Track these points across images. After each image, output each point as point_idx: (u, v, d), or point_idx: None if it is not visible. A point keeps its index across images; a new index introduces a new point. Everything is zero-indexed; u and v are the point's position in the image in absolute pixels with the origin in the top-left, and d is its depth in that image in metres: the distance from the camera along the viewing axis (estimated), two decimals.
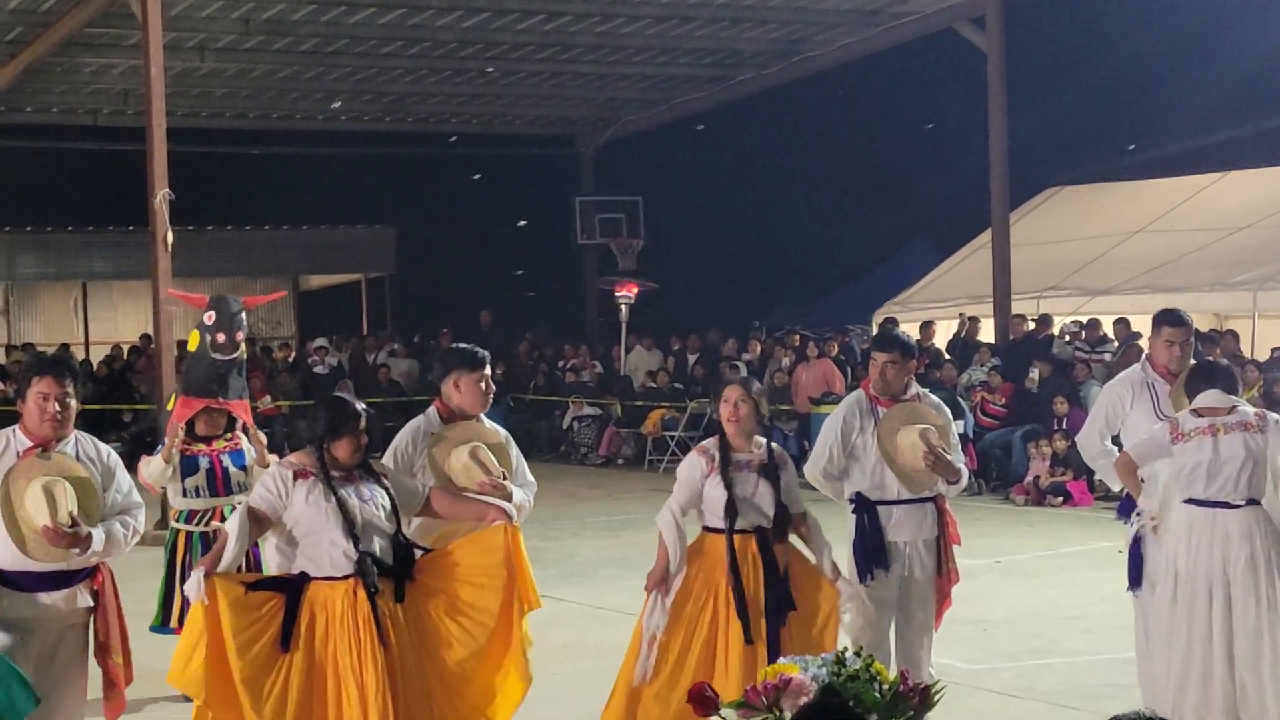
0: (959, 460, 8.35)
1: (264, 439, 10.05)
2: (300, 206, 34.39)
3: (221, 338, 9.72)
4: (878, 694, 5.16)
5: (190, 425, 9.69)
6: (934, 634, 8.47)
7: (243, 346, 9.89)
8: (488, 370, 7.92)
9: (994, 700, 9.54)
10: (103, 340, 30.72)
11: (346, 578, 6.77)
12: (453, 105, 30.02)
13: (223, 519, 9.60)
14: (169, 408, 10.14)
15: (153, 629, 9.50)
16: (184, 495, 9.64)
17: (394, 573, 6.88)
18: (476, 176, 34.36)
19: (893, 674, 5.27)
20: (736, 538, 7.63)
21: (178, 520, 9.71)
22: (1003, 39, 23.28)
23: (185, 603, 9.36)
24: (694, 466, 7.87)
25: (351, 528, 6.77)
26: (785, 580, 7.63)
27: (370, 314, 35.75)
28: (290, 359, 29.60)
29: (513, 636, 7.05)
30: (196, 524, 9.61)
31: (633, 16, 24.27)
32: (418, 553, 7.20)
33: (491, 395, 7.92)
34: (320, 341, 29.15)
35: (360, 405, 7.07)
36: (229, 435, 9.81)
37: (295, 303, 36.17)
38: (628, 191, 31.25)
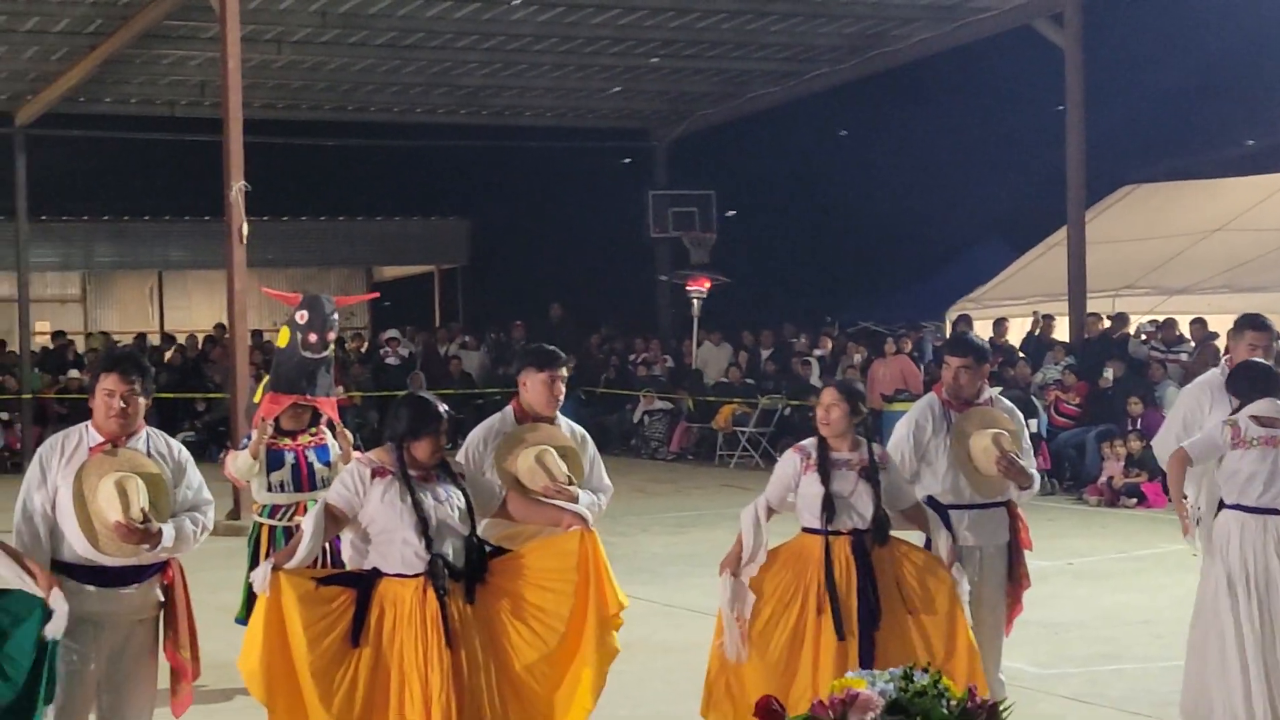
0: (1031, 465, 8.30)
1: (350, 436, 10.07)
2: (374, 198, 34.57)
3: (314, 338, 9.73)
4: (945, 710, 5.13)
5: (276, 420, 9.73)
6: (1004, 638, 8.42)
7: (332, 346, 9.92)
8: (560, 370, 7.87)
9: (1063, 705, 9.47)
10: (179, 329, 30.95)
11: (417, 576, 6.76)
12: (527, 98, 30.05)
13: (305, 514, 9.63)
14: (255, 400, 10.17)
15: (238, 621, 9.55)
16: (269, 490, 9.68)
17: (465, 575, 6.85)
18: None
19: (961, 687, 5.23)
20: (832, 540, 7.59)
21: (261, 515, 9.76)
22: (1080, 36, 23.12)
23: None
24: (790, 463, 7.86)
25: (425, 528, 6.75)
26: (875, 592, 7.54)
27: (443, 306, 35.88)
28: (363, 350, 29.76)
29: (585, 643, 6.97)
30: (280, 519, 9.66)
31: (707, 11, 24.22)
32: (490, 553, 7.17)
33: (561, 396, 7.87)
34: (392, 333, 29.28)
35: (443, 406, 7.02)
36: (314, 430, 9.85)
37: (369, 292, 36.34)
38: (701, 185, 31.22)
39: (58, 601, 6.61)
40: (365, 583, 6.81)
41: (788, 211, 34.81)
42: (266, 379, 10.11)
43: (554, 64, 27.05)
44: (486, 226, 35.07)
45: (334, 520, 6.89)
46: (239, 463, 9.70)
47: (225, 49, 19.61)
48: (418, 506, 6.78)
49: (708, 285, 27.57)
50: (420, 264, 36.37)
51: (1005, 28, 24.77)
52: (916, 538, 7.91)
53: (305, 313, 9.84)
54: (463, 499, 6.96)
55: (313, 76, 27.39)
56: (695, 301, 27.41)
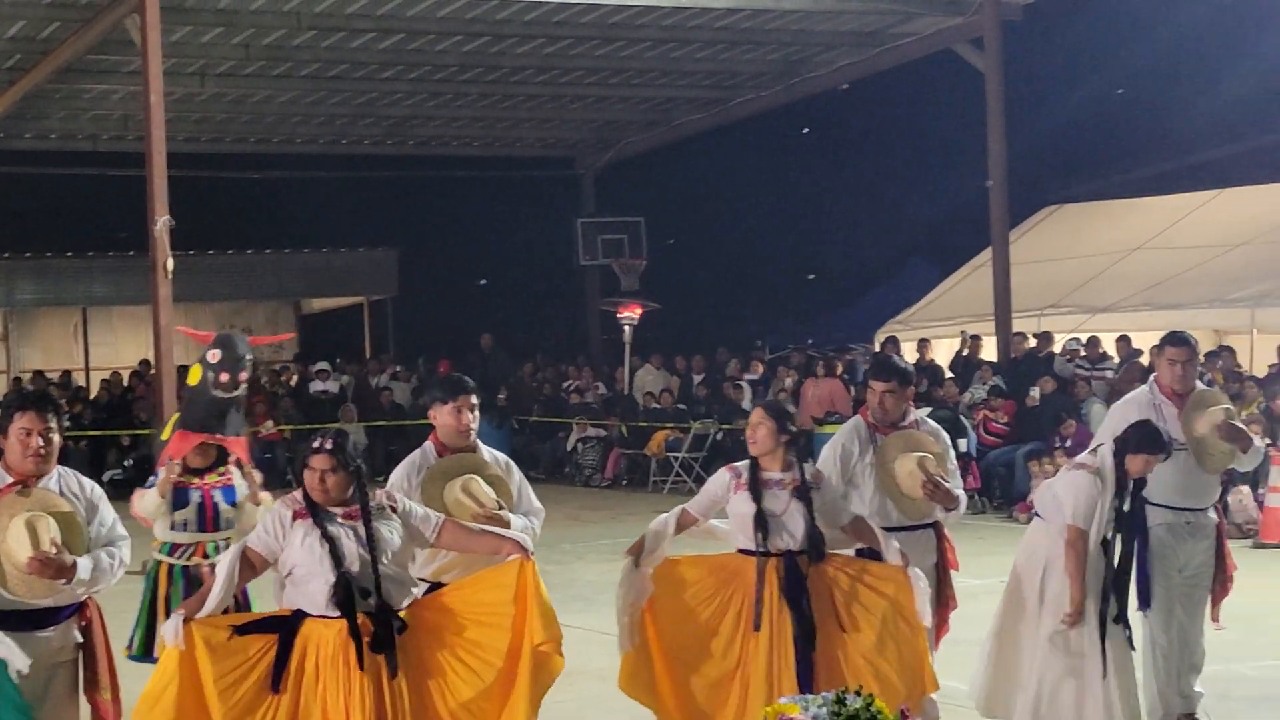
0: (957, 487, 8.35)
1: (259, 478, 9.99)
2: (301, 230, 34.43)
3: (225, 377, 9.65)
4: None
5: (183, 458, 9.66)
6: (934, 657, 8.48)
7: (243, 386, 9.85)
8: (465, 398, 7.78)
9: None
10: (102, 366, 30.73)
11: (340, 617, 6.64)
12: (453, 128, 30.08)
13: (205, 555, 9.57)
14: (164, 437, 10.06)
15: (132, 658, 9.45)
16: (171, 528, 9.60)
17: (384, 612, 6.69)
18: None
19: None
20: (765, 561, 7.62)
21: (160, 552, 9.66)
22: (1000, 59, 23.35)
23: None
24: (720, 481, 7.93)
25: (342, 573, 6.62)
26: (811, 612, 7.59)
27: (373, 337, 35.74)
28: (292, 383, 29.62)
29: (520, 677, 6.88)
30: (179, 558, 9.57)
31: (632, 39, 24.33)
32: (422, 589, 7.12)
33: (471, 424, 7.81)
34: (322, 365, 29.14)
35: (325, 443, 6.84)
36: (221, 469, 9.76)
37: (297, 326, 36.17)
38: (629, 212, 31.30)
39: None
40: (288, 625, 6.71)
41: (717, 237, 34.96)
42: (175, 416, 10.03)
43: (480, 94, 27.09)
44: (415, 257, 34.99)
45: (249, 566, 6.78)
46: (146, 502, 9.59)
47: (148, 82, 19.53)
48: (332, 545, 6.68)
49: (639, 311, 27.61)
50: (349, 295, 36.22)
51: (926, 52, 25.00)
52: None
53: (218, 351, 9.75)
54: (393, 533, 6.85)
55: (237, 109, 27.32)
56: (626, 328, 27.44)
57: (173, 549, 9.53)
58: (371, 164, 32.50)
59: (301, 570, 6.71)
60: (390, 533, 6.84)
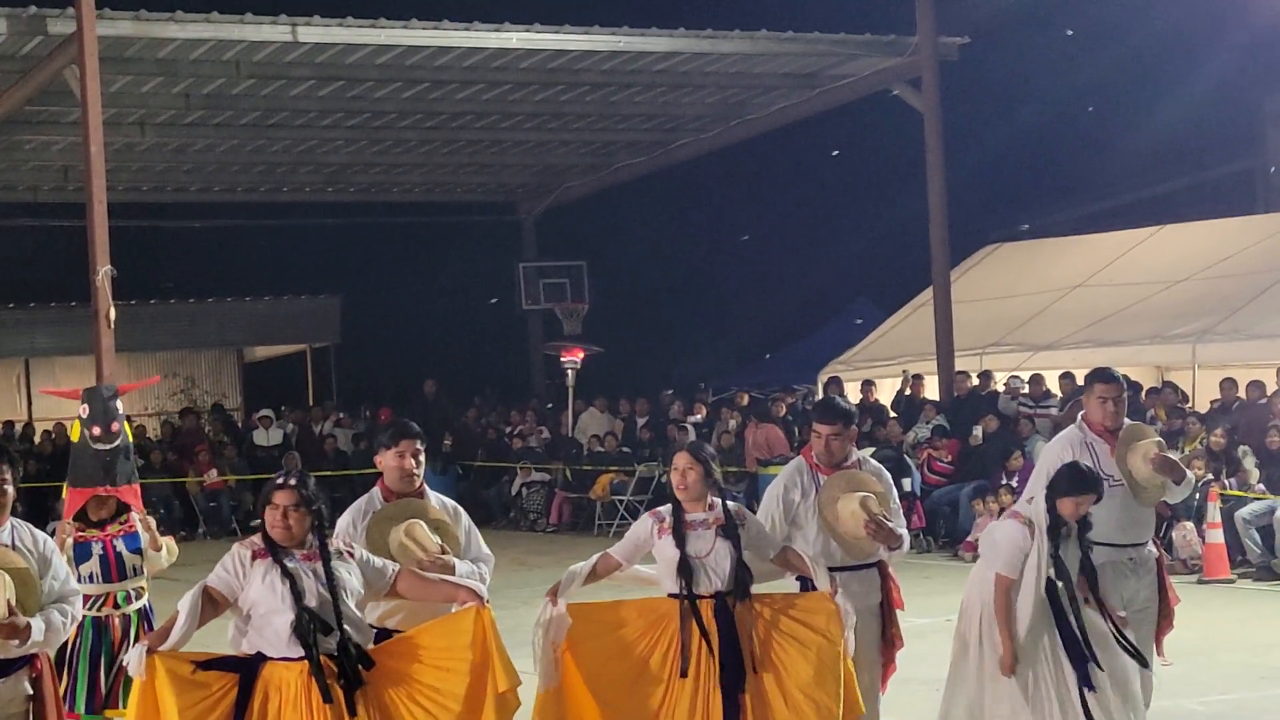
0: (900, 526, 8.37)
1: (153, 523, 9.99)
2: (243, 278, 34.32)
3: (98, 430, 9.71)
4: None
5: (82, 513, 9.66)
6: (881, 698, 8.50)
7: (125, 433, 9.86)
8: (409, 443, 7.81)
9: None
10: (46, 417, 30.47)
11: (301, 659, 6.66)
12: (393, 175, 30.08)
13: (116, 605, 9.56)
14: (64, 496, 10.08)
15: None
16: (79, 581, 9.59)
17: (346, 657, 6.73)
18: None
19: None
20: (695, 603, 7.61)
21: None
22: (938, 99, 23.53)
23: (73, 684, 9.33)
24: (644, 526, 7.91)
25: (303, 608, 6.66)
26: (739, 654, 7.58)
27: (316, 384, 35.61)
28: (239, 426, 29.47)
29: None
30: (90, 609, 9.55)
31: (571, 84, 24.40)
32: (371, 635, 7.11)
33: (414, 468, 7.82)
34: (265, 412, 29.03)
35: (289, 479, 6.92)
36: (123, 519, 9.75)
37: (240, 374, 36.01)
38: (571, 256, 31.33)
39: None
40: (249, 667, 6.71)
41: (659, 279, 35.01)
42: (68, 476, 10.04)
43: (419, 140, 27.11)
44: (357, 304, 34.92)
45: (211, 602, 6.78)
46: None
47: (88, 133, 19.49)
48: (294, 586, 6.70)
49: (581, 355, 27.61)
50: (291, 343, 36.09)
51: (865, 93, 25.17)
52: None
53: (86, 407, 9.83)
54: (350, 577, 6.87)
55: (177, 158, 27.26)
56: (570, 372, 27.43)
57: (83, 601, 9.52)
58: (312, 211, 32.46)
59: (262, 608, 6.73)
60: (349, 575, 6.87)
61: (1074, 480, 8.23)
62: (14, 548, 6.91)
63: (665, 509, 7.91)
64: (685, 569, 7.63)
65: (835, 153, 31.33)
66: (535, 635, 7.72)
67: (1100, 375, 9.05)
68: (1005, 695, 8.20)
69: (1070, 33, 28.68)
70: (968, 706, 8.37)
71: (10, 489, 6.92)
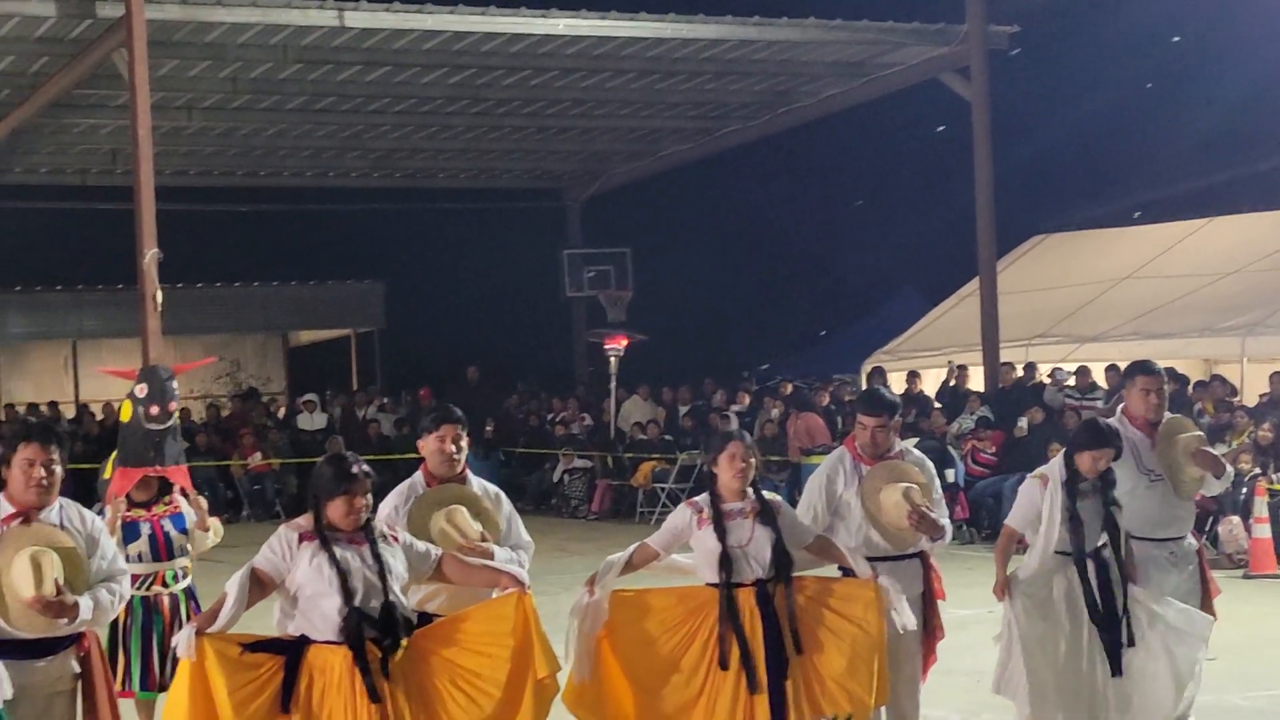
0: (943, 517, 8.36)
1: (204, 503, 10.04)
2: (289, 262, 34.43)
3: (155, 409, 9.74)
4: None
5: (127, 493, 9.71)
6: (921, 687, 8.48)
7: (176, 414, 9.90)
8: (450, 427, 7.81)
9: None
10: (94, 399, 30.66)
11: (345, 642, 6.67)
12: (439, 160, 30.11)
13: (164, 584, 9.63)
14: (105, 476, 10.11)
15: None
16: (126, 560, 9.64)
17: (384, 640, 6.73)
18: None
19: None
20: (736, 592, 7.62)
21: None
22: (987, 89, 23.41)
23: (128, 664, 9.41)
24: (682, 516, 7.90)
25: (349, 593, 6.67)
26: (781, 642, 7.57)
27: (360, 369, 35.71)
28: (279, 415, 29.58)
29: (520, 708, 6.92)
30: (138, 588, 9.61)
31: (618, 70, 24.36)
32: (418, 618, 7.10)
33: (456, 453, 7.82)
34: (309, 396, 29.13)
35: (361, 466, 6.93)
36: (167, 499, 9.81)
37: (285, 358, 36.15)
38: (615, 243, 31.31)
39: None
40: (294, 650, 6.72)
41: (703, 267, 34.94)
42: (115, 454, 10.07)
43: (466, 125, 27.11)
44: (402, 289, 34.98)
45: (259, 584, 6.78)
46: None
47: (135, 116, 19.57)
48: (341, 570, 6.71)
49: (625, 343, 27.58)
50: (336, 328, 36.20)
51: (913, 82, 25.06)
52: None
53: (144, 386, 9.85)
54: (395, 562, 6.87)
55: (224, 142, 27.34)
56: (613, 359, 27.41)
57: (131, 580, 9.57)
58: (358, 196, 32.52)
59: (309, 591, 6.74)
60: (393, 559, 6.88)
61: (1092, 434, 8.33)
62: (62, 527, 6.94)
63: (702, 499, 7.89)
64: (726, 560, 7.63)
65: (882, 142, 31.24)
66: (570, 624, 7.72)
67: (1142, 367, 9.01)
68: (1039, 649, 8.31)
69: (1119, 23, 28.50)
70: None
71: (59, 469, 6.95)
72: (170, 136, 25.24)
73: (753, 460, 7.81)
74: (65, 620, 6.73)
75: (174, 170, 27.76)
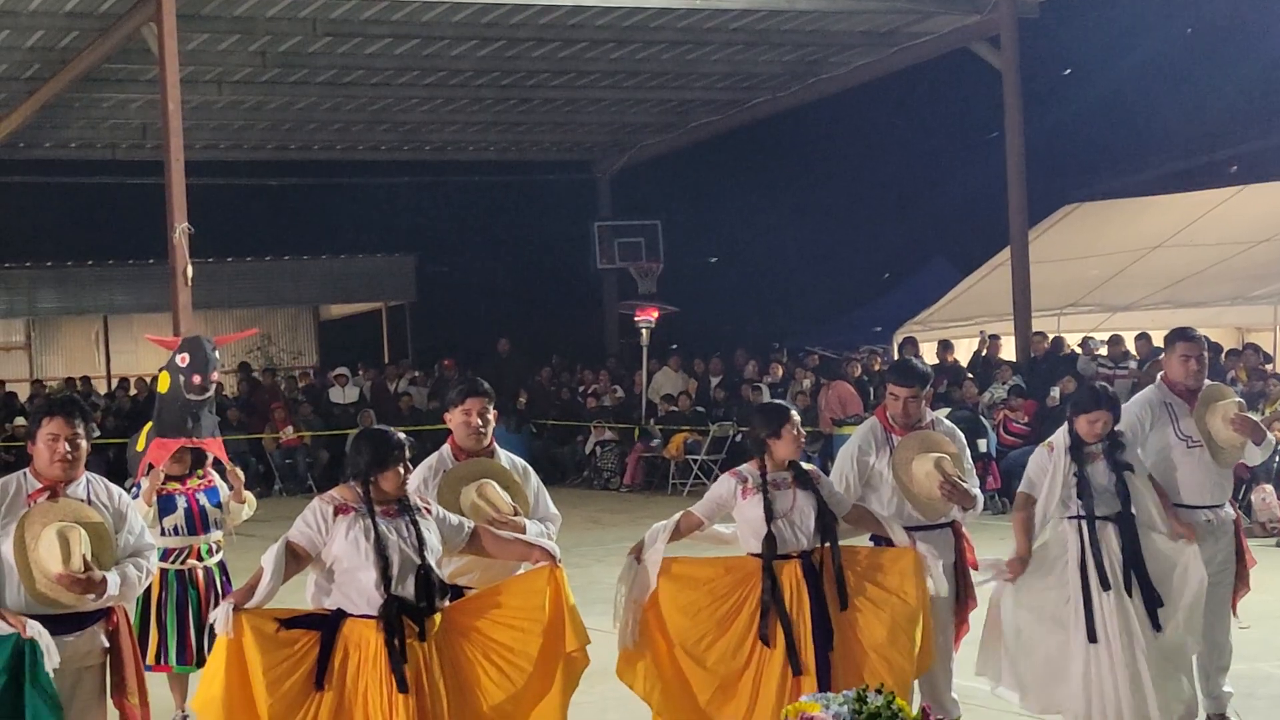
0: (974, 487, 8.37)
1: (241, 475, 10.06)
2: (319, 236, 34.48)
3: (197, 379, 9.73)
4: None
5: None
6: (954, 656, 8.48)
7: (214, 386, 9.90)
8: (477, 400, 7.79)
9: None
10: (124, 374, 30.80)
11: (381, 621, 6.68)
12: (469, 133, 30.10)
13: (199, 557, 9.65)
14: (139, 448, 10.11)
15: None
16: (162, 534, 9.67)
17: (420, 611, 6.75)
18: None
19: (915, 706, 5.25)
20: (780, 564, 7.64)
21: None
22: (1017, 57, 23.30)
23: (163, 637, 9.44)
24: (726, 485, 7.91)
25: (387, 565, 6.67)
26: (827, 613, 7.61)
27: (391, 342, 35.79)
28: (311, 388, 29.66)
29: (552, 681, 6.98)
30: (173, 561, 9.63)
31: (647, 42, 24.31)
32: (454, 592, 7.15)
33: (482, 427, 7.80)
34: (340, 370, 29.20)
35: (402, 435, 6.96)
36: (201, 473, 9.82)
37: (316, 332, 36.23)
38: (646, 216, 31.27)
39: (36, 631, 6.61)
40: (330, 624, 6.74)
41: (733, 239, 34.88)
42: (149, 426, 10.06)
43: (495, 98, 27.10)
44: (432, 262, 35.01)
45: (295, 558, 6.78)
46: None
47: (165, 91, 19.60)
48: (381, 543, 6.71)
49: (656, 315, 27.58)
50: (367, 301, 36.28)
51: (943, 51, 24.95)
52: None
53: (186, 355, 9.84)
54: (430, 533, 6.88)
55: (254, 116, 27.38)
56: (644, 331, 27.41)
57: (166, 554, 9.62)
58: (388, 170, 32.55)
59: (345, 564, 6.75)
60: (428, 532, 6.88)
61: (1087, 398, 8.42)
62: (89, 502, 6.97)
63: (746, 469, 7.90)
64: (770, 536, 7.65)
65: (913, 112, 31.11)
66: (618, 592, 7.76)
67: (1183, 334, 8.99)
68: (1031, 617, 8.32)
69: None
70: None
71: (84, 444, 6.97)
72: (200, 110, 25.28)
73: (801, 430, 7.90)
74: (93, 596, 6.76)
75: (204, 144, 27.80)
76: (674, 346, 29.00)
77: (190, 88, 22.11)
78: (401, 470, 6.86)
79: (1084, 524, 8.23)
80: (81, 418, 6.98)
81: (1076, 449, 8.31)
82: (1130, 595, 8.16)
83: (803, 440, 7.88)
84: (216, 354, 9.91)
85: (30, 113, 24.80)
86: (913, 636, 7.70)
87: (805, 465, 7.93)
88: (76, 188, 30.47)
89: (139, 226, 27.87)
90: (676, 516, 7.91)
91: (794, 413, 7.93)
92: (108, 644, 7.01)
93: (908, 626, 7.70)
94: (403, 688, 6.59)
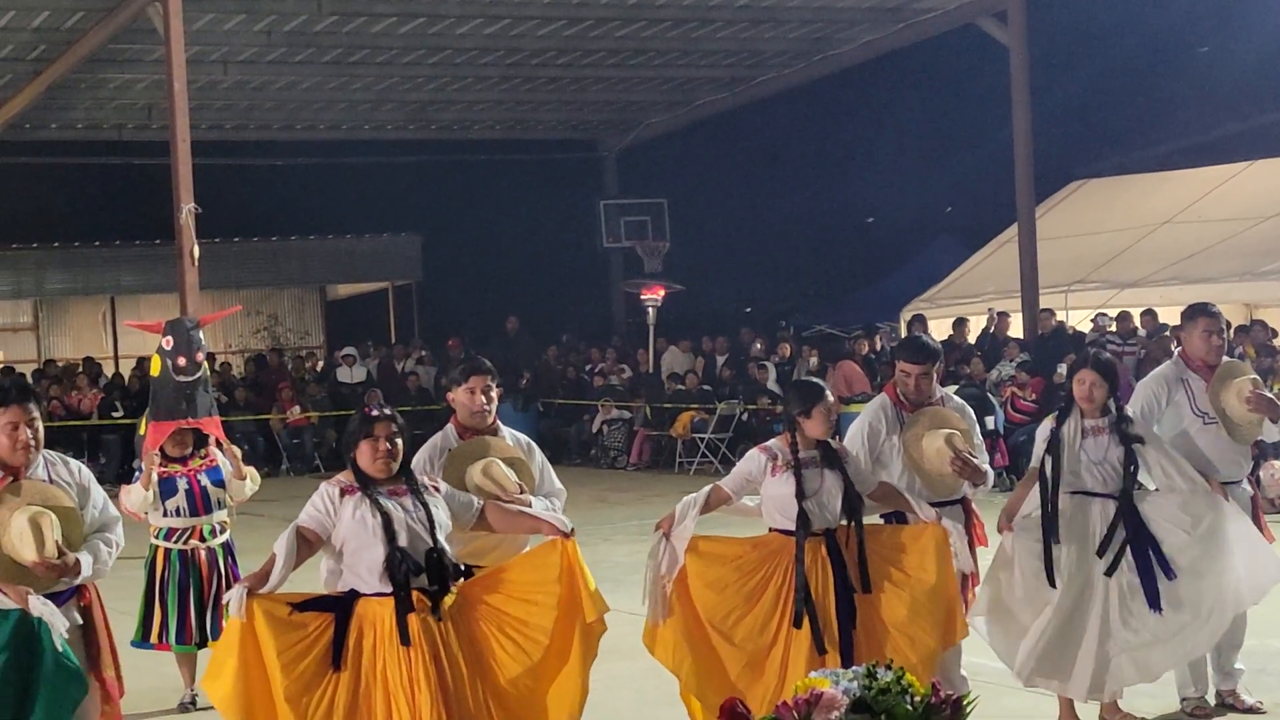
0: (984, 463, 8.37)
1: (239, 452, 10.08)
2: (325, 216, 34.45)
3: (182, 361, 9.77)
4: (910, 706, 5.15)
5: (162, 448, 9.73)
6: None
7: (205, 364, 9.92)
8: (479, 378, 7.81)
9: (1028, 699, 9.48)
10: (131, 354, 30.81)
11: (391, 583, 6.70)
12: (475, 112, 30.08)
13: (201, 538, 9.67)
14: (141, 432, 10.15)
15: (133, 644, 9.54)
16: (164, 515, 9.69)
17: (435, 585, 6.77)
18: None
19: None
20: (806, 543, 7.66)
21: (157, 537, 9.76)
22: (1024, 33, 23.27)
23: (165, 618, 9.47)
24: (755, 461, 7.90)
25: (394, 541, 6.69)
26: (850, 591, 7.63)
27: (398, 322, 35.79)
28: (318, 369, 29.66)
29: (570, 653, 7.01)
30: (176, 542, 9.65)
31: (653, 20, 24.28)
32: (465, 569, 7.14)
33: (485, 405, 7.81)
34: (348, 350, 29.21)
35: (383, 410, 6.93)
36: (203, 453, 9.84)
37: (323, 312, 36.24)
38: (652, 194, 31.24)
39: (38, 605, 6.62)
40: (343, 605, 6.75)
41: (740, 217, 34.83)
42: (148, 410, 10.10)
43: (501, 76, 27.06)
44: (439, 241, 34.98)
45: (305, 542, 6.81)
46: (133, 497, 9.69)
47: (170, 71, 19.59)
48: (386, 519, 6.73)
49: (662, 293, 27.57)
50: (373, 281, 36.29)
51: (950, 27, 24.91)
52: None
53: (169, 338, 9.89)
54: (439, 511, 6.90)
55: (259, 96, 27.36)
56: (650, 310, 27.41)
57: (168, 534, 9.64)
58: (394, 149, 32.51)
59: (353, 544, 6.77)
60: (437, 509, 6.89)
61: (1078, 359, 8.50)
62: (51, 481, 6.97)
63: (775, 445, 7.91)
64: (803, 516, 7.66)
65: (919, 88, 31.04)
66: (647, 568, 7.78)
67: (1204, 309, 8.97)
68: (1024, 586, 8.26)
69: None
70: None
71: (40, 424, 6.96)
72: (206, 90, 25.26)
73: (837, 409, 7.92)
74: (67, 580, 6.80)
75: (210, 125, 27.78)
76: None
77: (196, 67, 22.07)
78: (375, 444, 6.83)
79: (1064, 497, 8.24)
80: (34, 400, 7.00)
81: (1066, 410, 8.32)
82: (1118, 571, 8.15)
83: (834, 420, 7.84)
84: (200, 334, 9.94)
85: (36, 93, 24.78)
86: (935, 611, 7.73)
87: (832, 442, 7.92)
88: (83, 168, 30.47)
89: (145, 207, 27.90)
90: (706, 490, 7.92)
91: (829, 393, 7.92)
92: (81, 620, 7.02)
93: (929, 602, 7.72)
94: (405, 640, 6.61)
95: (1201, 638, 8.29)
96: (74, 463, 7.19)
